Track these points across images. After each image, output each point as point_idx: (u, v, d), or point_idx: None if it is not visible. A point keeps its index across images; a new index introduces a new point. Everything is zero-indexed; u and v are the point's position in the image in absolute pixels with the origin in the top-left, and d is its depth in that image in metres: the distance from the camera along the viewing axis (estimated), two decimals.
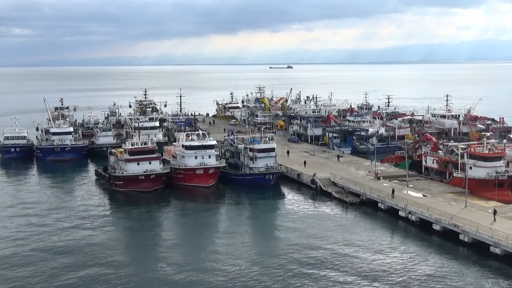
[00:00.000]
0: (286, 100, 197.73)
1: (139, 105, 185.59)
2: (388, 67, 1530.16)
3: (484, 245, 70.03)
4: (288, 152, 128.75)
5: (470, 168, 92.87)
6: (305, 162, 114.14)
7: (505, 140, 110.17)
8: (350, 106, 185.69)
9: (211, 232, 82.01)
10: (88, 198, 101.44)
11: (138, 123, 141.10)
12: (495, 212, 77.13)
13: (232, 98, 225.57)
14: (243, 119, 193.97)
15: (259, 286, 61.14)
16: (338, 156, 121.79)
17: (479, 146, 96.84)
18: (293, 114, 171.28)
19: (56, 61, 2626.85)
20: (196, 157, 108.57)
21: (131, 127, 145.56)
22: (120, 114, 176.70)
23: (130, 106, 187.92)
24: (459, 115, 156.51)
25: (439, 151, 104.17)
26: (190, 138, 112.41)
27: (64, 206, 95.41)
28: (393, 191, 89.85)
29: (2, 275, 64.60)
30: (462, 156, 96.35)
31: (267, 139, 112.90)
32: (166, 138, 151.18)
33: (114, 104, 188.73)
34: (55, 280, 63.06)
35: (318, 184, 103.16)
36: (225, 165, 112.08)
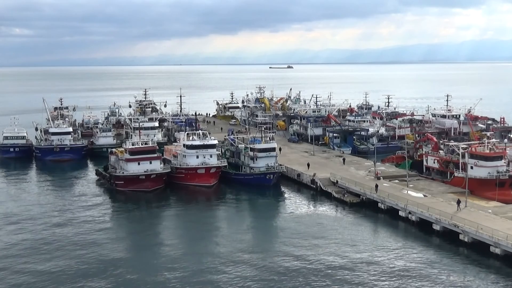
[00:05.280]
0: (286, 100, 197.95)
1: (139, 105, 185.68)
2: (388, 67, 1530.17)
3: (484, 245, 69.91)
4: (280, 149, 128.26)
5: (471, 167, 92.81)
6: (308, 164, 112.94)
7: (506, 139, 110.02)
8: (350, 106, 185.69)
9: (211, 232, 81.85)
10: (89, 198, 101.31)
11: (139, 124, 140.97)
12: (458, 202, 79.85)
13: (232, 98, 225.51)
14: (243, 119, 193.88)
15: (259, 286, 61.05)
16: (344, 159, 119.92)
17: (480, 146, 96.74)
18: (293, 114, 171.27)
19: (56, 61, 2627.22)
20: (197, 157, 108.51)
21: (130, 127, 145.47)
22: (121, 114, 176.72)
23: (130, 106, 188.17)
24: (459, 115, 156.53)
25: (440, 151, 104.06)
26: (191, 138, 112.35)
27: (64, 205, 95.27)
28: (376, 186, 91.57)
29: (2, 274, 64.49)
30: (463, 156, 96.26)
31: (268, 139, 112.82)
32: (166, 138, 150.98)
33: (114, 104, 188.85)
34: (55, 279, 62.96)
35: (318, 184, 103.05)
36: (226, 164, 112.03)
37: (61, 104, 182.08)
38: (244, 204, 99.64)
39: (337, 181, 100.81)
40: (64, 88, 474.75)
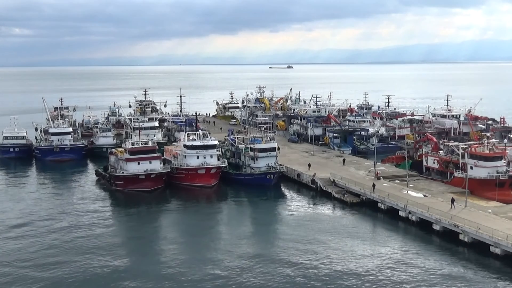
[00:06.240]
0: (286, 100, 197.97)
1: (139, 105, 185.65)
2: (388, 67, 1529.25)
3: (484, 245, 69.92)
4: (279, 149, 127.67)
5: (471, 168, 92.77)
6: (309, 165, 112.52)
7: (505, 140, 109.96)
8: (350, 106, 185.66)
9: (211, 232, 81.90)
10: (89, 198, 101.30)
11: (139, 124, 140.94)
12: (452, 201, 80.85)
13: (232, 98, 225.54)
14: (243, 119, 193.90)
15: (259, 286, 61.03)
16: (344, 159, 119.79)
17: (480, 146, 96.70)
18: (293, 114, 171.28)
19: (56, 61, 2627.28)
20: (198, 157, 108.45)
21: (130, 127, 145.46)
22: (121, 114, 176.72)
23: (130, 106, 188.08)
24: (459, 115, 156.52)
25: (440, 151, 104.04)
26: (191, 138, 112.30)
27: (64, 206, 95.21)
28: (373, 185, 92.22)
29: (1, 274, 64.47)
30: (463, 156, 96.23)
31: (268, 138, 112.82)
32: (166, 138, 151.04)
33: (115, 104, 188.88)
34: (55, 279, 62.98)
35: (318, 184, 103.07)
36: (226, 164, 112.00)
37: (61, 104, 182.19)
38: (245, 204, 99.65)
39: (334, 180, 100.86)
40: (64, 88, 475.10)
